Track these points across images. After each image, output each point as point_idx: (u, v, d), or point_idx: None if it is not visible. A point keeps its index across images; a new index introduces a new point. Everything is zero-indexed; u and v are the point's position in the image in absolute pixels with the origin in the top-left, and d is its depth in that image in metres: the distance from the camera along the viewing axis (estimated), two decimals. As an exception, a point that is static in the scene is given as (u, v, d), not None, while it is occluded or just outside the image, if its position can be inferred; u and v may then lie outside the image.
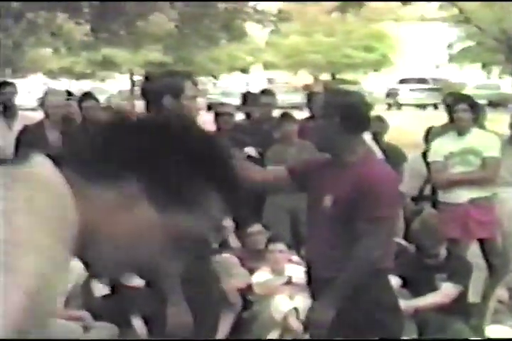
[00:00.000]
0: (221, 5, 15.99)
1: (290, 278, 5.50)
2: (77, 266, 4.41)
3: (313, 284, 3.76)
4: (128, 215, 1.26)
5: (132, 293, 5.31)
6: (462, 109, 6.08)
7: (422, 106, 34.23)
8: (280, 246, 5.62)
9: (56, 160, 1.26)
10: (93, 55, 29.23)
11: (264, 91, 7.91)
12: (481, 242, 6.09)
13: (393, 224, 4.00)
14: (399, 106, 35.29)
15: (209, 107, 20.53)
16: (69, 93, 7.97)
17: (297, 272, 5.30)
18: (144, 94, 3.79)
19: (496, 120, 9.43)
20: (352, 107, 3.55)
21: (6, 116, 7.22)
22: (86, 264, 3.82)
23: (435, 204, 6.39)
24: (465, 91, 19.79)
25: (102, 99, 11.86)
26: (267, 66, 41.66)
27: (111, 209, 1.26)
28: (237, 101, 9.24)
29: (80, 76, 37.23)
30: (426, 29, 37.28)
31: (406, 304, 4.76)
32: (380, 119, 7.59)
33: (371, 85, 39.01)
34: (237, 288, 5.56)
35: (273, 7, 19.15)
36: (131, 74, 35.55)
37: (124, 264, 1.33)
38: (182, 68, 27.31)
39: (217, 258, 5.12)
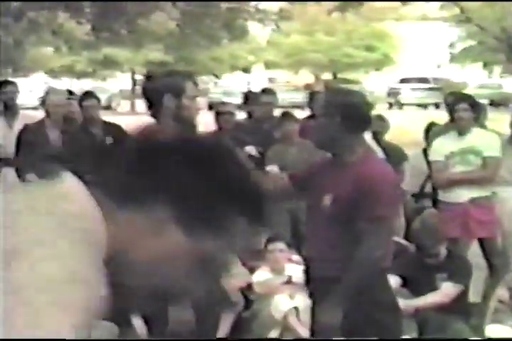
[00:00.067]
0: (223, 4, 15.96)
1: (290, 277, 5.49)
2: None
3: (312, 283, 3.75)
4: (156, 239, 1.24)
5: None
6: (463, 109, 6.08)
7: (423, 106, 34.26)
8: (280, 245, 5.62)
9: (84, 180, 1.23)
10: (94, 54, 29.23)
11: (265, 91, 7.87)
12: (482, 242, 6.08)
13: (393, 224, 4.00)
14: (400, 105, 35.26)
15: (210, 106, 20.53)
16: (70, 92, 7.95)
17: (297, 271, 5.29)
18: (145, 94, 3.79)
19: (497, 119, 9.41)
20: (353, 107, 3.56)
21: (7, 115, 7.20)
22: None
23: (435, 202, 6.39)
24: (466, 91, 19.74)
25: (103, 98, 11.83)
26: (269, 65, 41.62)
27: (139, 234, 1.23)
28: (238, 100, 9.22)
29: (81, 75, 37.21)
30: (427, 28, 37.26)
31: (406, 303, 4.76)
32: (381, 118, 7.57)
33: (372, 84, 39.01)
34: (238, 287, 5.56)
35: (274, 6, 19.12)
36: (133, 74, 35.53)
37: (147, 288, 1.31)
38: (183, 67, 27.34)
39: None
